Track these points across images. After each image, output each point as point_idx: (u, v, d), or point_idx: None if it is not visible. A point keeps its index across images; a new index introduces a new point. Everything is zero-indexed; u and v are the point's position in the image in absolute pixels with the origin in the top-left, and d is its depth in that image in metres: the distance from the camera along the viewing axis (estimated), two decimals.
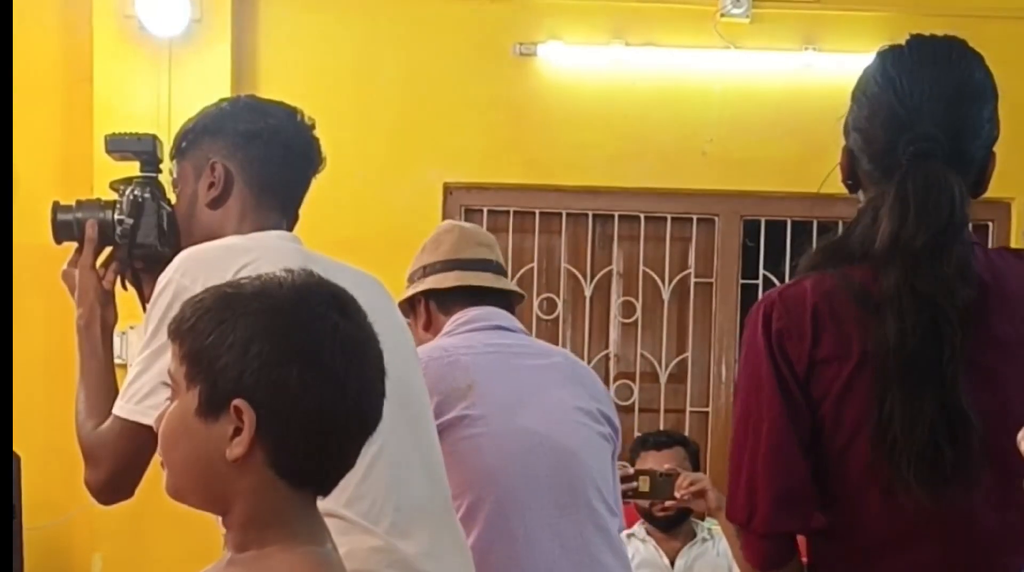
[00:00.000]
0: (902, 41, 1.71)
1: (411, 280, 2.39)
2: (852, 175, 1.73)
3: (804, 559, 1.75)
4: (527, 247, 4.29)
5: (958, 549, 1.62)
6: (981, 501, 1.59)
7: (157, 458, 1.22)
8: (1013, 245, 4.08)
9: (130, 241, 1.97)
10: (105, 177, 3.89)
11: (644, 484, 2.92)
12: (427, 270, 2.36)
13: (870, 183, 1.69)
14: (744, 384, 1.70)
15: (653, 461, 3.22)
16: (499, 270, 2.40)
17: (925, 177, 1.59)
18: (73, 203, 2.01)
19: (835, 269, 1.66)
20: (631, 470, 2.99)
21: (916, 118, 1.63)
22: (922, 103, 1.63)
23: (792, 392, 1.63)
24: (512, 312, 2.40)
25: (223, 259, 1.76)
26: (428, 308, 2.35)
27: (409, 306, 2.37)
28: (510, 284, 2.41)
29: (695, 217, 4.32)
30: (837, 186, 1.83)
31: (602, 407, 2.33)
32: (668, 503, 3.06)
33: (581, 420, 2.26)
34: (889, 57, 1.69)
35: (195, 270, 1.75)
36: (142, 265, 1.99)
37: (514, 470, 2.17)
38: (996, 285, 1.63)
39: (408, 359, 1.92)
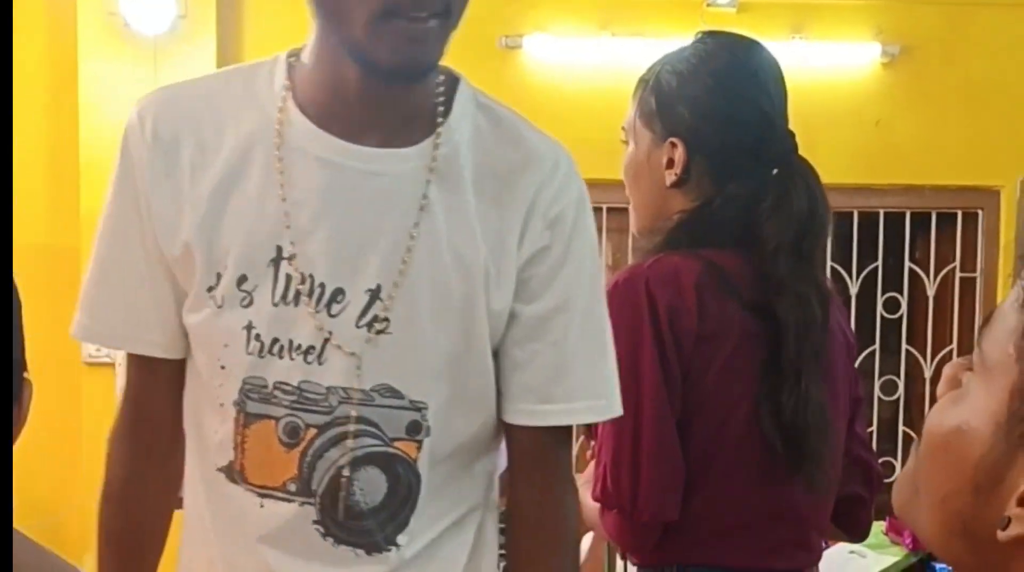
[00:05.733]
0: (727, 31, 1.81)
1: None
2: (687, 170, 1.72)
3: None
4: None
5: (794, 527, 1.69)
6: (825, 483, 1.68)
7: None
8: (1003, 233, 4.08)
9: None
10: (91, 174, 3.91)
11: None
12: None
13: (706, 176, 1.70)
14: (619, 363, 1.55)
15: None
16: None
17: (809, 171, 1.67)
18: None
19: (694, 251, 1.66)
20: None
21: (778, 113, 1.71)
22: (777, 98, 1.72)
23: (672, 369, 1.59)
24: None
25: None
26: None
27: None
28: None
29: None
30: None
31: None
32: None
33: None
34: (737, 50, 1.75)
35: None
36: None
37: None
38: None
39: None
